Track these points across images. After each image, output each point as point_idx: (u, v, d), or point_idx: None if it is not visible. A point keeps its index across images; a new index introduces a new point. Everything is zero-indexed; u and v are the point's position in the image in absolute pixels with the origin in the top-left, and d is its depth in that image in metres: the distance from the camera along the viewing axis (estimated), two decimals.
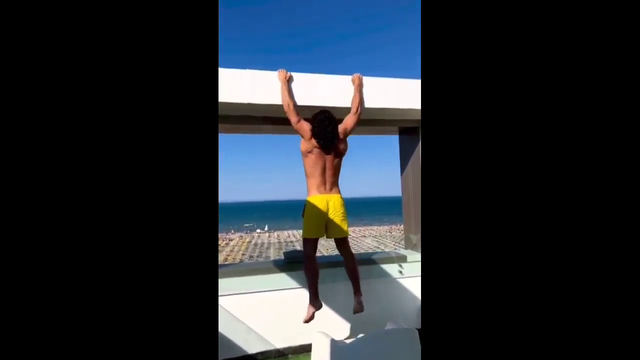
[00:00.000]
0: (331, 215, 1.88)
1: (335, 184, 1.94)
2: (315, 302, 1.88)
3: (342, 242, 1.97)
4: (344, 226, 1.92)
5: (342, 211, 1.91)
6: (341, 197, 1.94)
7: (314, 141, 1.86)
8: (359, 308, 1.94)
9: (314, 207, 1.87)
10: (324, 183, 1.90)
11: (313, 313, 1.88)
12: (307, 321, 1.87)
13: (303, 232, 1.92)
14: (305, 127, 1.87)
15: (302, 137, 1.88)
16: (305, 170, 1.93)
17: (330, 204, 1.88)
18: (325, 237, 1.93)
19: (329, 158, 1.89)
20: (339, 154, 1.93)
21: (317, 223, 1.88)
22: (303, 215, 1.91)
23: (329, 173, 1.90)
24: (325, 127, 1.84)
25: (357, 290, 1.97)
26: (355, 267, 1.99)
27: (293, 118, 1.88)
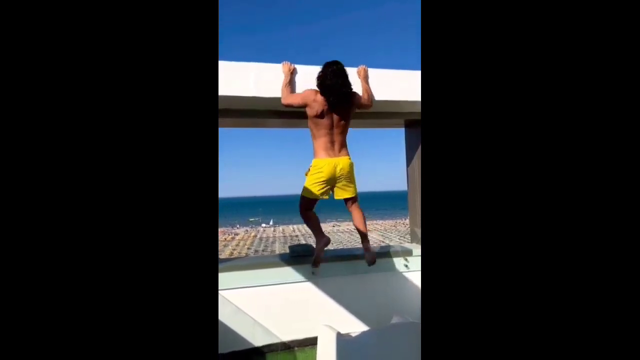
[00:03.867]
0: (339, 179, 1.83)
1: (343, 144, 1.86)
2: (322, 239, 1.91)
3: (350, 201, 1.95)
4: (352, 188, 1.90)
5: (350, 174, 1.86)
6: (350, 160, 1.87)
7: (320, 99, 1.76)
8: (371, 258, 1.97)
9: (320, 171, 1.80)
10: (332, 143, 1.82)
11: (323, 246, 1.92)
12: (317, 257, 1.92)
13: (303, 191, 1.87)
14: (305, 94, 1.80)
15: (307, 105, 1.80)
16: (311, 132, 1.85)
17: (339, 168, 1.81)
18: (326, 198, 1.91)
19: (336, 117, 1.81)
20: (348, 112, 1.83)
21: (322, 186, 1.83)
22: (306, 175, 1.87)
23: (336, 132, 1.81)
24: (337, 79, 1.73)
25: (365, 242, 1.99)
26: (363, 222, 1.99)
27: (292, 99, 1.82)
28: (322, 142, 1.81)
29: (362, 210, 2.03)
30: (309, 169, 1.88)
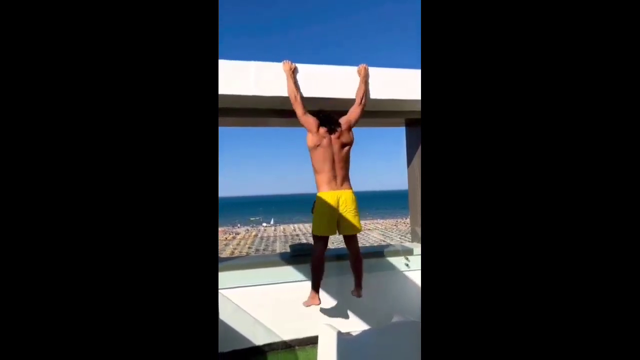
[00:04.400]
0: (343, 212, 1.82)
1: (345, 178, 1.88)
2: (315, 298, 1.89)
3: (350, 239, 1.93)
4: (356, 223, 1.87)
5: (354, 207, 1.84)
6: (353, 193, 1.87)
7: (322, 131, 1.81)
8: (357, 294, 1.98)
9: (325, 203, 1.81)
10: (334, 178, 1.84)
11: (311, 305, 1.91)
12: (307, 305, 1.91)
13: (313, 229, 1.87)
14: (311, 120, 1.85)
15: (309, 130, 1.85)
16: (313, 166, 1.87)
17: (342, 200, 1.82)
18: (337, 234, 1.89)
19: (337, 150, 1.84)
20: (347, 144, 1.89)
21: (328, 220, 1.82)
22: (313, 212, 1.87)
23: (338, 166, 1.84)
24: (331, 116, 1.85)
25: (358, 286, 1.97)
26: (360, 264, 1.97)
27: (299, 110, 1.86)
28: (324, 176, 1.83)
29: (360, 239, 2.05)
30: (314, 205, 1.87)
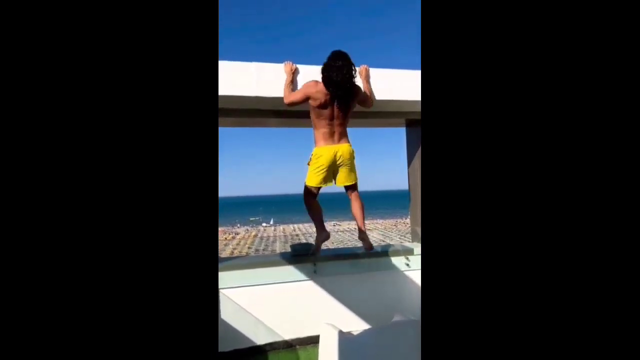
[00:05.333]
0: (340, 165, 1.86)
1: (344, 133, 1.88)
2: (322, 233, 1.96)
3: (350, 189, 1.98)
4: (353, 176, 1.93)
5: (350, 160, 1.89)
6: (350, 147, 1.90)
7: (323, 91, 1.76)
8: (367, 246, 2.00)
9: (321, 158, 1.84)
10: (332, 133, 1.84)
11: (323, 241, 1.96)
12: (316, 250, 1.99)
13: (306, 180, 1.91)
14: (306, 90, 1.79)
15: (310, 97, 1.79)
16: (312, 122, 1.88)
17: (339, 154, 1.85)
18: (330, 185, 1.94)
19: (337, 109, 1.82)
20: (350, 103, 1.84)
21: (323, 174, 1.86)
22: (309, 164, 1.90)
23: (337, 122, 1.83)
24: (343, 76, 1.72)
25: (361, 231, 2.00)
26: (362, 210, 2.01)
27: (294, 96, 1.82)
28: (322, 132, 1.84)
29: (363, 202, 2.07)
30: (310, 158, 1.91)
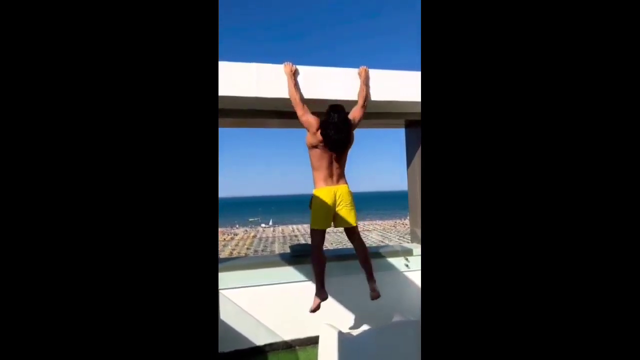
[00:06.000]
0: (339, 206, 1.90)
1: (341, 175, 1.95)
2: (321, 293, 1.91)
3: (351, 231, 1.98)
4: (352, 215, 1.93)
5: (349, 201, 1.92)
6: (348, 187, 1.95)
7: (319, 136, 1.85)
8: (375, 295, 1.94)
9: (322, 199, 1.89)
10: (331, 175, 1.91)
11: (319, 303, 1.90)
12: (313, 311, 1.89)
13: (311, 224, 1.93)
14: (312, 121, 1.86)
15: (308, 130, 1.88)
16: (311, 163, 1.94)
17: (338, 194, 1.90)
18: (333, 227, 1.95)
19: (335, 155, 1.90)
20: (346, 148, 1.93)
21: (325, 214, 1.89)
22: (310, 207, 1.93)
23: (335, 165, 1.91)
24: (339, 133, 1.81)
25: (370, 277, 1.98)
26: (367, 254, 2.01)
27: (299, 111, 1.88)
28: (321, 173, 1.91)
29: (364, 241, 2.08)
30: (311, 201, 1.94)
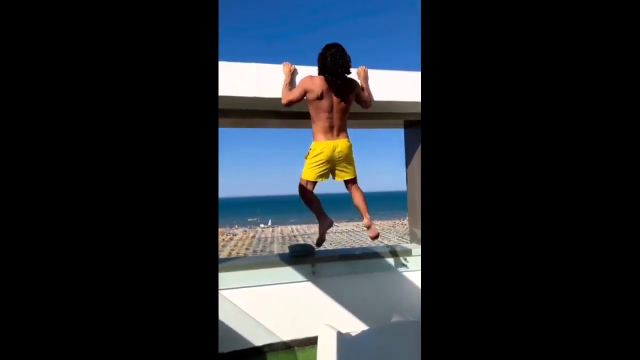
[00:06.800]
0: (338, 161, 1.88)
1: (342, 128, 1.89)
2: (325, 221, 1.94)
3: (350, 182, 1.99)
4: (352, 169, 1.94)
5: (349, 155, 1.90)
6: (349, 141, 1.91)
7: (319, 83, 1.77)
8: (373, 234, 1.97)
9: (319, 153, 1.85)
10: (331, 128, 1.85)
11: (327, 228, 1.95)
12: (321, 239, 1.96)
13: (303, 174, 1.91)
14: (306, 81, 1.80)
15: (308, 90, 1.80)
16: (311, 116, 1.88)
17: (338, 149, 1.85)
18: (326, 180, 1.95)
19: (336, 100, 1.82)
20: (348, 95, 1.85)
21: (321, 168, 1.88)
22: (305, 158, 1.91)
23: (336, 115, 1.84)
24: (336, 60, 1.74)
25: (366, 218, 1.98)
26: (363, 199, 2.01)
27: (290, 96, 1.82)
28: (321, 125, 1.83)
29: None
30: (308, 152, 1.91)
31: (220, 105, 1.92)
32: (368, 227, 1.98)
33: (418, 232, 2.56)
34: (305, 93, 1.80)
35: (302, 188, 1.94)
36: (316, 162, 1.86)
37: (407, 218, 2.90)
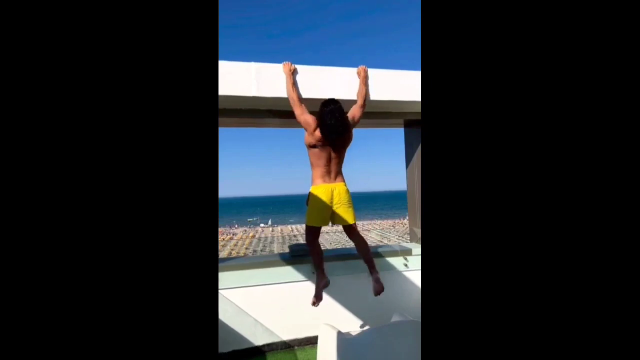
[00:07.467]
0: (336, 204, 1.91)
1: (339, 173, 1.96)
2: (323, 279, 1.95)
3: (350, 229, 1.99)
4: (350, 213, 1.95)
5: (347, 199, 1.93)
6: (345, 185, 1.96)
7: (318, 134, 1.85)
8: (378, 287, 1.94)
9: (319, 196, 1.89)
10: (329, 173, 1.92)
11: (323, 287, 1.93)
12: (316, 301, 1.93)
13: (306, 220, 1.94)
14: (310, 120, 1.86)
15: (306, 130, 1.89)
16: (310, 161, 1.95)
17: (335, 192, 1.90)
18: (329, 225, 1.97)
19: (333, 150, 1.90)
20: (344, 145, 1.94)
21: (321, 212, 1.91)
22: (307, 204, 1.94)
23: (333, 162, 1.92)
24: (336, 120, 1.81)
25: (372, 270, 1.98)
26: (367, 249, 2.02)
27: (297, 110, 1.88)
28: (319, 171, 1.91)
29: (363, 236, 2.09)
30: (308, 198, 1.95)
31: (220, 105, 1.92)
32: (375, 281, 1.94)
33: (418, 231, 2.56)
34: (308, 121, 1.86)
35: (307, 234, 1.97)
36: (317, 205, 1.90)
37: (407, 218, 2.90)
